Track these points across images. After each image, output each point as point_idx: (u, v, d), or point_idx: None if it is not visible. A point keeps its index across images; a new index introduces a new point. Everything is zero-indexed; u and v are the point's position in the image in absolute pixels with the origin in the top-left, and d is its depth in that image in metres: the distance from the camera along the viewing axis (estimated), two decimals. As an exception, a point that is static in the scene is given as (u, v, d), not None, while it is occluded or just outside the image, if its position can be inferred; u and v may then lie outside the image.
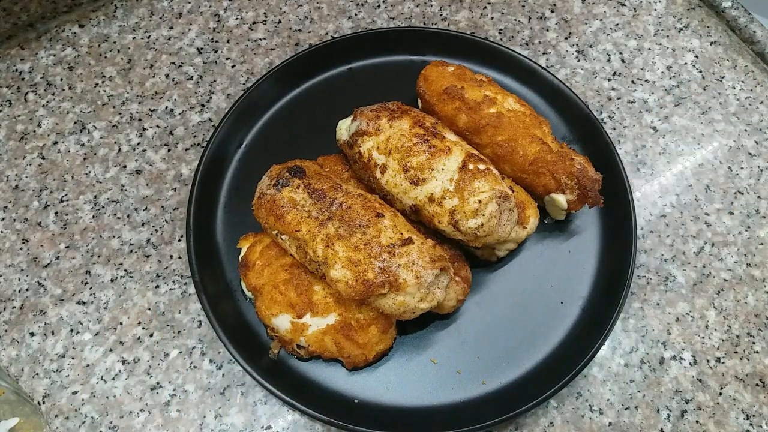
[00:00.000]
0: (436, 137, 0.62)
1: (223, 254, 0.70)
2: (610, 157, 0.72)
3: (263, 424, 0.63)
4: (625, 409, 0.64)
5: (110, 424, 0.63)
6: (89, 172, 0.77)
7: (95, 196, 0.76)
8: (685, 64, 0.86)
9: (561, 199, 0.66)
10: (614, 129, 0.81)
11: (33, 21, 0.88)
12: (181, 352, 0.66)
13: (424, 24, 0.89)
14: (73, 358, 0.66)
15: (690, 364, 0.66)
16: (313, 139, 0.75)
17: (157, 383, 0.65)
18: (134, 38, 0.88)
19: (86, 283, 0.70)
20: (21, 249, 0.72)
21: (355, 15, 0.90)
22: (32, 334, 0.67)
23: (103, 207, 0.75)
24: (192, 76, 0.85)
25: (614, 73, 0.85)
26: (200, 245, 0.68)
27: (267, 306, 0.62)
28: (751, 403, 0.64)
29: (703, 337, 0.67)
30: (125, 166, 0.78)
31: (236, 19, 0.90)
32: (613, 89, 0.84)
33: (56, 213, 0.75)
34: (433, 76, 0.72)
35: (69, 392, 0.64)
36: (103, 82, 0.84)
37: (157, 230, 0.73)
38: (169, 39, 0.88)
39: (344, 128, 0.68)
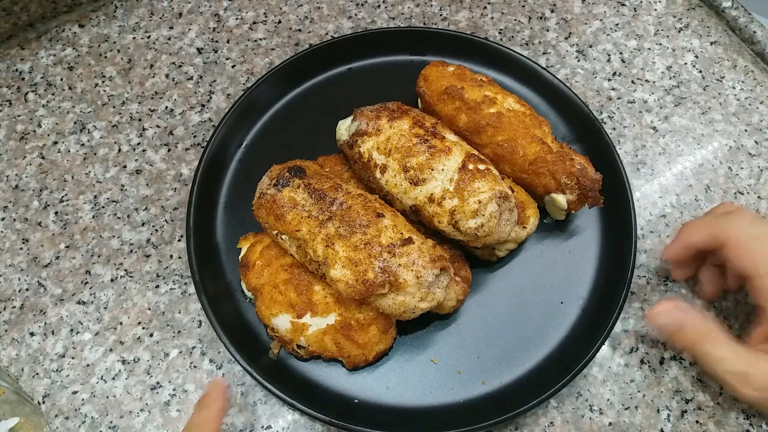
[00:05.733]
0: (436, 137, 0.62)
1: (223, 254, 0.70)
2: (610, 157, 0.72)
3: (263, 424, 0.63)
4: (625, 409, 0.64)
5: (110, 424, 0.63)
6: (89, 172, 0.78)
7: (95, 196, 0.76)
8: (685, 64, 0.86)
9: (561, 199, 0.66)
10: (614, 129, 0.81)
11: (33, 21, 0.88)
12: (181, 352, 0.66)
13: (424, 24, 0.89)
14: (73, 358, 0.66)
15: (690, 364, 0.66)
16: (313, 139, 0.75)
17: (157, 383, 0.65)
18: (134, 38, 0.88)
19: (86, 283, 0.70)
20: (21, 249, 0.72)
21: (355, 15, 0.90)
22: (32, 334, 0.67)
23: (103, 207, 0.75)
24: (192, 76, 0.85)
25: (614, 73, 0.85)
26: (200, 245, 0.68)
27: (267, 306, 0.62)
28: (751, 403, 0.64)
29: (703, 337, 0.67)
30: (125, 166, 0.78)
31: (236, 19, 0.90)
32: (613, 89, 0.84)
33: (56, 213, 0.75)
34: (433, 76, 0.72)
35: (69, 392, 0.64)
36: (103, 82, 0.84)
37: (157, 230, 0.73)
38: (169, 39, 0.88)
39: (344, 128, 0.68)
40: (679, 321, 0.58)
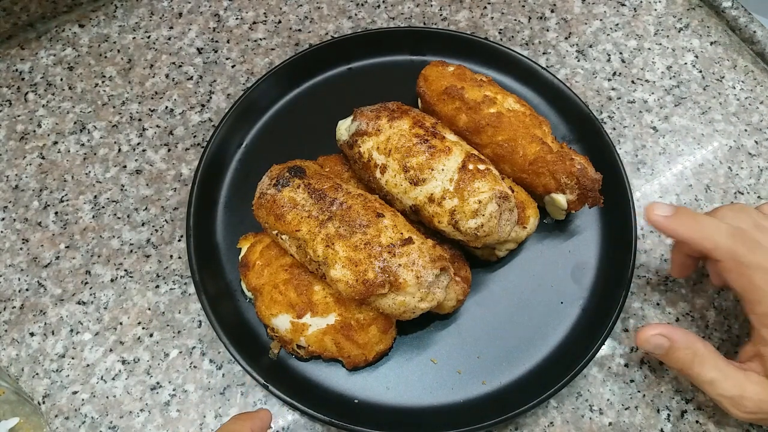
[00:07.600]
0: (436, 137, 0.62)
1: (223, 254, 0.70)
2: (610, 157, 0.72)
3: (263, 424, 0.63)
4: (625, 409, 0.64)
5: (110, 424, 0.63)
6: (89, 172, 0.78)
7: (95, 196, 0.76)
8: (685, 64, 0.86)
9: (561, 199, 0.66)
10: (614, 129, 0.81)
11: (33, 21, 0.88)
12: (181, 352, 0.66)
13: (424, 24, 0.89)
14: (73, 358, 0.66)
15: (690, 364, 0.66)
16: (313, 139, 0.75)
17: (157, 383, 0.65)
18: (134, 38, 0.88)
19: (86, 283, 0.70)
20: (21, 249, 0.72)
21: (355, 15, 0.90)
22: (32, 334, 0.67)
23: (103, 207, 0.75)
24: (192, 76, 0.85)
25: (614, 73, 0.85)
26: (200, 245, 0.68)
27: (267, 306, 0.62)
28: (751, 403, 0.64)
29: (703, 337, 0.67)
30: (125, 166, 0.78)
31: (236, 19, 0.90)
32: (613, 89, 0.84)
33: (56, 213, 0.75)
34: (433, 76, 0.72)
35: (69, 392, 0.64)
36: (103, 82, 0.84)
37: (157, 230, 0.73)
38: (169, 39, 0.88)
39: (344, 128, 0.68)
40: (663, 346, 0.58)
